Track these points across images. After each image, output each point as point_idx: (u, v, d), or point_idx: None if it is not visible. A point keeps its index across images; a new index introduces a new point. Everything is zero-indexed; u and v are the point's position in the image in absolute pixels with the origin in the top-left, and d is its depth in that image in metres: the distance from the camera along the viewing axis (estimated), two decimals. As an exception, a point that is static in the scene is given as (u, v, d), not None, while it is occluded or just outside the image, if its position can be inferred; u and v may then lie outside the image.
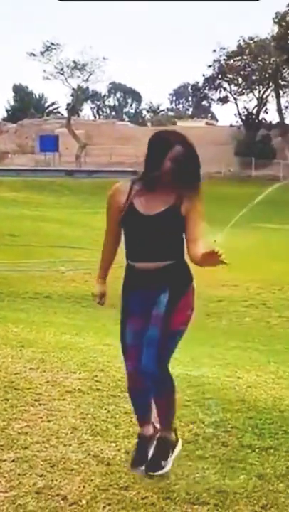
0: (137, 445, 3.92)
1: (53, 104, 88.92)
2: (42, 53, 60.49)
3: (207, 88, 60.41)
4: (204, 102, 70.16)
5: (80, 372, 5.70)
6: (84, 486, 3.58)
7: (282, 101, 57.52)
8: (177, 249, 3.71)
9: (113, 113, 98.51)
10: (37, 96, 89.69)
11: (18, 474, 3.71)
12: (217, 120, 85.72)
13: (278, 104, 57.24)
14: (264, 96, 58.68)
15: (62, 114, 75.02)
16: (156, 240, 3.62)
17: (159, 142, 3.62)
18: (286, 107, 57.75)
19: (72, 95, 65.45)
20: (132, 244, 3.71)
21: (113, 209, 3.73)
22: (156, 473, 3.70)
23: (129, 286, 3.76)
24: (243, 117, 58.50)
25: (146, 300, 3.69)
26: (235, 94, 58.90)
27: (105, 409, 4.74)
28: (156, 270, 3.65)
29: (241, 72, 56.65)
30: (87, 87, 70.53)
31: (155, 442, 3.89)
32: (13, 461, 3.88)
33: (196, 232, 3.68)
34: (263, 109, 58.96)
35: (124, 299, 3.81)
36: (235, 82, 58.05)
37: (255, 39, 55.88)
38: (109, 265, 3.94)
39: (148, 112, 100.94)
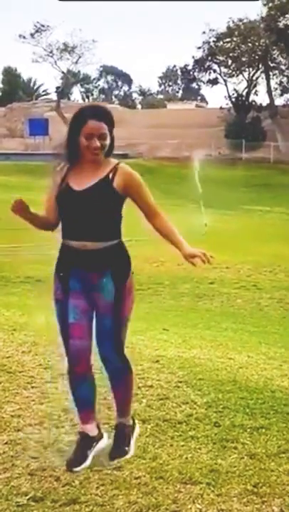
0: (79, 445, 3.69)
1: (41, 86, 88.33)
2: (32, 35, 60.08)
3: (197, 70, 60.12)
4: (194, 84, 69.89)
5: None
6: (77, 467, 3.60)
7: (272, 82, 57.33)
8: (116, 229, 3.65)
9: (102, 96, 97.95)
10: (25, 79, 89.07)
11: (12, 456, 3.74)
12: (207, 102, 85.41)
13: (268, 85, 57.02)
14: (254, 78, 58.47)
15: (51, 98, 74.55)
16: (91, 217, 3.54)
17: (74, 118, 3.58)
18: (276, 89, 57.60)
19: (62, 78, 65.10)
20: (68, 222, 3.62)
21: (51, 188, 3.69)
22: (120, 460, 3.66)
23: (68, 264, 3.62)
24: (233, 99, 58.28)
25: (87, 281, 3.59)
26: (224, 76, 58.66)
27: (97, 391, 4.74)
28: (97, 251, 3.56)
29: (231, 54, 56.34)
30: (79, 71, 70.21)
31: (115, 429, 3.84)
32: (6, 443, 3.91)
33: (153, 204, 3.69)
34: (253, 91, 58.80)
35: (62, 277, 3.64)
36: (225, 63, 57.76)
37: (245, 20, 55.55)
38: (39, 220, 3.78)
39: (139, 94, 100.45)
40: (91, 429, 3.74)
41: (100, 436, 3.79)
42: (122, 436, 3.81)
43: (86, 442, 3.70)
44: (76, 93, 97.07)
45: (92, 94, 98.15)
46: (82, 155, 3.57)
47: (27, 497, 3.30)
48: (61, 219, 3.66)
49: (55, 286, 3.69)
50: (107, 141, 3.56)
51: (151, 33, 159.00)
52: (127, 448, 3.75)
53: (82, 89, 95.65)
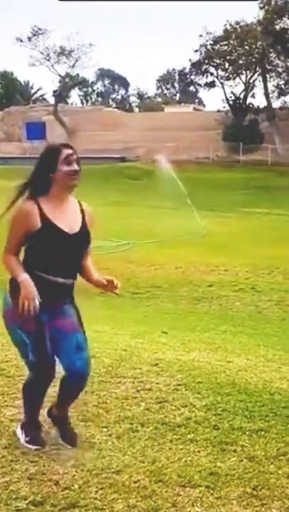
0: (28, 429, 4.03)
1: (39, 90, 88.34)
2: (29, 39, 60.10)
3: (194, 73, 60.13)
4: (191, 88, 69.91)
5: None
6: (76, 471, 3.61)
7: (269, 85, 57.24)
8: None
9: (100, 99, 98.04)
10: (22, 83, 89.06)
11: (11, 461, 3.73)
12: (204, 105, 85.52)
13: (265, 88, 57.01)
14: (251, 80, 58.42)
15: (49, 102, 74.58)
16: (75, 258, 3.87)
17: (46, 153, 3.82)
18: (273, 91, 57.61)
19: (59, 82, 65.14)
20: (51, 260, 3.76)
21: (21, 227, 3.74)
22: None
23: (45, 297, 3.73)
24: (231, 102, 58.30)
25: (52, 310, 3.79)
26: (222, 79, 58.62)
27: (96, 394, 4.76)
28: (70, 285, 3.88)
29: (228, 57, 56.35)
30: (77, 74, 70.25)
31: (59, 421, 4.07)
32: (5, 447, 3.91)
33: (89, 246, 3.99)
34: (250, 93, 58.78)
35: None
36: (222, 66, 57.77)
37: (242, 23, 55.61)
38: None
39: (137, 98, 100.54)
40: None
41: None
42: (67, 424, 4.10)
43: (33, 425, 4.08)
44: (74, 97, 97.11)
45: (91, 98, 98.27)
46: (56, 185, 3.76)
47: (26, 501, 3.30)
48: (44, 256, 3.76)
49: (26, 320, 3.71)
50: (80, 169, 3.80)
51: (151, 34, 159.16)
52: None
53: (81, 93, 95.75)
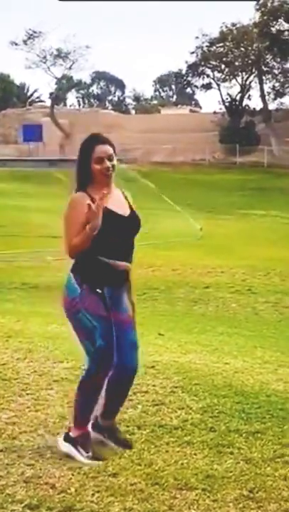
0: (86, 442, 3.89)
1: (35, 91, 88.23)
2: (25, 42, 60.06)
3: (190, 75, 60.21)
4: (188, 89, 70.01)
5: (67, 362, 5.71)
6: (72, 474, 3.59)
7: (265, 87, 57.35)
8: None
9: (96, 101, 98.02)
10: (19, 85, 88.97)
11: (7, 464, 3.72)
12: (201, 107, 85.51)
13: (261, 90, 57.10)
14: (247, 82, 58.53)
15: (45, 102, 74.53)
16: (131, 240, 3.98)
17: (82, 149, 3.95)
18: (269, 93, 57.67)
19: (56, 84, 65.13)
20: (110, 243, 3.83)
21: (79, 218, 3.75)
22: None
23: (103, 282, 3.85)
24: (227, 104, 58.37)
25: (114, 297, 3.89)
26: (218, 80, 58.70)
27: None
28: (128, 269, 3.95)
29: (224, 59, 56.44)
30: (72, 76, 70.20)
31: (109, 431, 4.01)
32: (1, 451, 3.90)
33: None
34: (247, 95, 58.86)
35: (100, 294, 3.84)
36: (218, 68, 57.85)
37: (238, 25, 55.71)
38: None
39: (133, 100, 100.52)
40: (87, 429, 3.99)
41: None
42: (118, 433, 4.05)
43: (89, 437, 3.94)
44: (71, 99, 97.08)
45: (88, 100, 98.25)
46: (95, 179, 3.88)
47: (22, 505, 3.28)
48: (103, 241, 3.79)
49: (96, 304, 3.83)
50: (115, 162, 3.93)
51: (151, 34, 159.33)
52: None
53: (78, 95, 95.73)
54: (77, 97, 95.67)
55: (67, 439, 3.90)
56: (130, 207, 4.00)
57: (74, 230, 3.77)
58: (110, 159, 3.88)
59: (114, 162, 3.92)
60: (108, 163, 3.86)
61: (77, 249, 3.80)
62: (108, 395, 3.96)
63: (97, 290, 3.83)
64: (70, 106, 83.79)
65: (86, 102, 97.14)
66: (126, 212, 3.95)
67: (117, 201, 3.95)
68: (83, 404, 3.94)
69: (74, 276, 3.87)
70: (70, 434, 3.91)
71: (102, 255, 3.83)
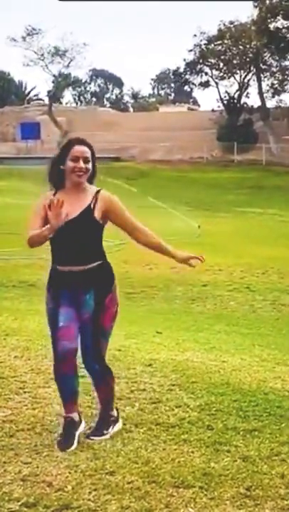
0: (67, 428, 4.03)
1: (33, 89, 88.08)
2: (23, 38, 60.00)
3: (188, 73, 60.15)
4: (186, 87, 69.91)
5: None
6: (69, 472, 3.59)
7: (264, 85, 57.28)
8: (98, 251, 4.05)
9: (94, 99, 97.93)
10: (17, 82, 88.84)
11: (4, 462, 3.72)
12: (199, 105, 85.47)
13: (259, 88, 57.02)
14: (245, 80, 58.45)
15: (43, 101, 74.40)
16: (77, 244, 3.95)
17: (62, 147, 4.04)
18: (267, 91, 57.64)
19: (53, 82, 65.04)
20: (56, 249, 4.02)
21: (37, 217, 4.00)
22: (96, 438, 4.03)
23: (57, 285, 4.03)
24: (225, 102, 58.33)
25: (73, 298, 3.99)
26: (216, 78, 58.67)
27: (90, 395, 4.74)
28: (82, 272, 3.97)
29: (222, 57, 56.37)
30: (69, 74, 70.10)
31: (99, 416, 4.21)
32: (-2, 449, 3.88)
33: (133, 222, 4.08)
34: (245, 93, 58.81)
35: (53, 296, 4.04)
36: (217, 66, 57.80)
37: (236, 23, 55.66)
38: None
39: (131, 98, 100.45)
40: (75, 417, 4.09)
41: (80, 422, 4.13)
42: (105, 422, 4.16)
43: (72, 426, 4.04)
44: (68, 96, 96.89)
45: (85, 98, 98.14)
46: (67, 179, 4.00)
47: (19, 503, 3.28)
48: (51, 245, 4.02)
49: (47, 298, 4.09)
50: (90, 165, 4.00)
51: (151, 33, 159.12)
52: (105, 431, 4.10)
53: (75, 93, 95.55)
54: (73, 95, 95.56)
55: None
56: (88, 208, 3.97)
57: (33, 223, 3.97)
58: (85, 161, 3.96)
59: (89, 166, 3.98)
60: (82, 164, 3.94)
61: (32, 243, 3.98)
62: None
63: (50, 289, 4.06)
64: (67, 104, 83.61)
65: (83, 100, 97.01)
66: (75, 213, 3.94)
67: (71, 202, 3.93)
68: (59, 388, 4.13)
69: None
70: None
71: (52, 260, 4.04)
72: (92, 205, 3.98)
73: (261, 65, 56.71)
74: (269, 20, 54.19)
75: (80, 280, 3.96)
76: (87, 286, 3.98)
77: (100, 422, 4.18)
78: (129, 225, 4.07)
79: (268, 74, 57.53)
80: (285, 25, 54.66)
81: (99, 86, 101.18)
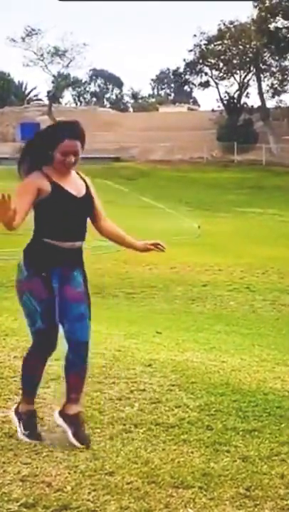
0: (32, 419, 4.09)
1: (33, 89, 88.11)
2: (23, 39, 60.06)
3: (188, 73, 60.19)
4: (186, 87, 69.96)
5: (63, 360, 5.69)
6: (69, 473, 3.58)
7: (263, 85, 57.38)
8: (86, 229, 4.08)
9: (94, 99, 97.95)
10: (17, 83, 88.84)
11: (3, 463, 3.71)
12: (199, 105, 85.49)
13: (259, 88, 57.07)
14: (245, 80, 58.53)
15: (43, 101, 74.42)
16: (82, 221, 3.99)
17: (51, 133, 3.97)
18: (267, 91, 57.67)
19: (53, 82, 65.07)
20: (59, 224, 3.91)
21: (29, 195, 3.86)
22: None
23: (48, 263, 3.90)
24: (225, 102, 58.36)
25: (61, 276, 3.93)
26: (216, 78, 58.73)
27: (89, 395, 4.74)
28: (80, 248, 4.02)
29: (222, 57, 56.41)
30: (69, 74, 70.18)
31: (73, 419, 4.01)
32: (-3, 449, 3.88)
33: (102, 209, 4.15)
34: (245, 93, 58.88)
35: (45, 278, 3.89)
36: (216, 66, 57.83)
37: (236, 23, 55.69)
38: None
39: (131, 98, 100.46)
40: (33, 407, 4.17)
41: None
42: (81, 424, 4.04)
43: (34, 417, 4.12)
44: (68, 97, 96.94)
45: (85, 98, 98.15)
46: (55, 162, 3.91)
47: (18, 503, 3.27)
48: (53, 221, 3.91)
49: (39, 288, 3.90)
50: (79, 157, 3.95)
51: (151, 34, 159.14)
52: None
53: (74, 93, 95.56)
54: (73, 95, 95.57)
55: (16, 411, 4.13)
56: (87, 187, 4.03)
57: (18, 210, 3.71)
58: (76, 154, 3.91)
59: (78, 157, 3.94)
60: (72, 159, 3.90)
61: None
62: (66, 376, 4.11)
63: (42, 274, 3.90)
64: (66, 104, 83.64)
65: (83, 100, 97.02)
66: (81, 192, 3.98)
67: (73, 181, 3.97)
68: (25, 381, 4.15)
69: (24, 258, 3.97)
70: (20, 407, 4.14)
71: (51, 237, 3.90)
72: (86, 183, 4.05)
73: (261, 65, 56.77)
74: (269, 20, 54.22)
75: (75, 257, 3.99)
76: (77, 263, 4.01)
77: (78, 425, 4.03)
78: (99, 212, 4.11)
79: (267, 74, 57.59)
80: (285, 25, 54.74)
81: (99, 86, 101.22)
